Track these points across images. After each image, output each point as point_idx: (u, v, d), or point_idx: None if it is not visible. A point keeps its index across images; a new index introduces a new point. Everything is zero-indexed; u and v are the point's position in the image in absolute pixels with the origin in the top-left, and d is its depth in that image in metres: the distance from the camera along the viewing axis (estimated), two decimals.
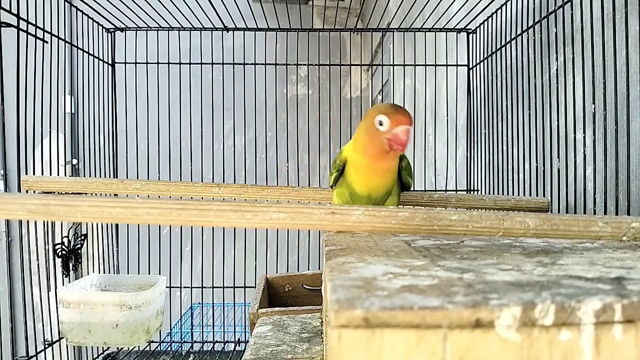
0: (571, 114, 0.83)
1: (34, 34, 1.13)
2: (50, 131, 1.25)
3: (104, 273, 1.53)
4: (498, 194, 1.19)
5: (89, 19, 1.43)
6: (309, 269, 1.62)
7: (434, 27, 1.50)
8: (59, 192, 0.89)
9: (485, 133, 1.28)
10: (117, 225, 1.60)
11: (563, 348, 0.23)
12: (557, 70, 0.88)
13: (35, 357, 1.12)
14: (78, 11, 1.36)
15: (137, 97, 1.52)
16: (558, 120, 0.87)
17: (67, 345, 1.06)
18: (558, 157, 0.87)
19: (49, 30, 1.20)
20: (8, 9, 1.03)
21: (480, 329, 0.23)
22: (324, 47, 1.82)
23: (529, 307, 0.23)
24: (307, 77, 2.40)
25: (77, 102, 2.63)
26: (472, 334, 0.23)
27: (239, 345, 1.63)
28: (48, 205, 0.41)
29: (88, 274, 1.16)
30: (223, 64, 1.58)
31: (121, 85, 1.57)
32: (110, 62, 1.59)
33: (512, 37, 1.07)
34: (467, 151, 1.43)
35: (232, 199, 0.84)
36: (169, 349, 1.67)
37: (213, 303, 1.86)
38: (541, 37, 0.94)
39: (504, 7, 1.12)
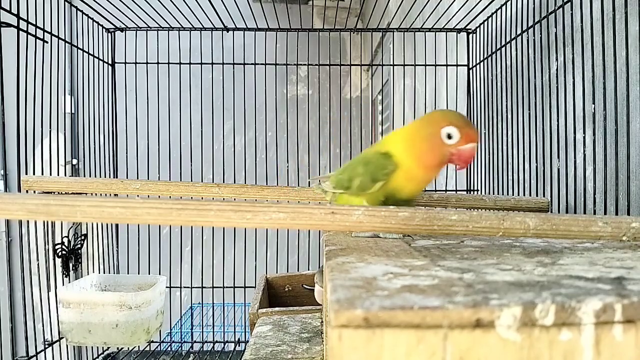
0: (571, 114, 0.83)
1: (34, 34, 1.13)
2: (50, 131, 1.25)
3: (104, 273, 1.53)
4: (498, 194, 1.19)
5: (89, 19, 1.43)
6: (309, 269, 1.62)
7: (434, 27, 1.50)
8: (59, 192, 0.89)
9: (485, 133, 1.28)
10: (117, 225, 1.60)
11: (563, 348, 0.23)
12: (557, 70, 0.88)
13: (35, 357, 1.12)
14: (78, 11, 1.36)
15: (137, 97, 1.52)
16: (558, 120, 0.87)
17: (67, 345, 1.06)
18: (558, 157, 0.87)
19: (49, 30, 1.20)
20: (8, 9, 1.03)
21: (481, 329, 0.23)
22: (324, 47, 1.82)
23: (530, 307, 0.23)
24: (307, 77, 2.40)
25: (77, 102, 2.63)
26: (472, 334, 0.23)
27: (239, 345, 1.63)
28: (48, 205, 0.41)
29: (88, 274, 1.16)
30: (223, 64, 1.58)
31: (121, 85, 1.57)
32: (110, 62, 1.59)
33: (512, 37, 1.07)
34: None
35: (232, 199, 0.84)
36: (169, 349, 1.67)
37: (213, 303, 1.86)
38: (541, 37, 0.94)
39: (504, 7, 1.12)
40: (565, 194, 0.84)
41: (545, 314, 0.23)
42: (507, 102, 1.12)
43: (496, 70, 1.20)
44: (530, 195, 0.98)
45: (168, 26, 1.54)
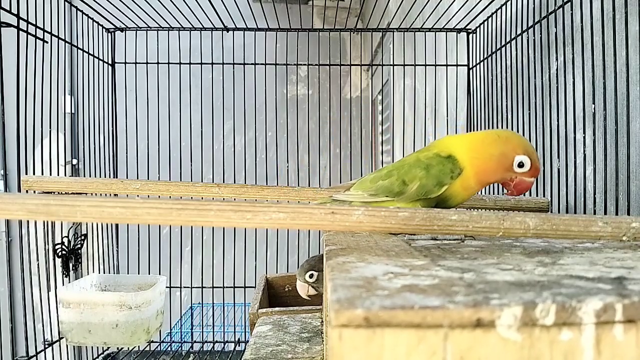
0: (571, 114, 0.83)
1: (34, 34, 1.13)
2: (50, 131, 1.25)
3: (104, 273, 1.53)
4: (498, 194, 1.19)
5: (89, 19, 1.43)
6: None
7: (434, 27, 1.50)
8: (59, 192, 0.89)
9: None
10: (117, 225, 1.60)
11: (564, 348, 0.23)
12: (557, 70, 0.88)
13: (35, 357, 1.12)
14: (78, 11, 1.36)
15: (137, 97, 1.52)
16: (558, 120, 0.87)
17: (67, 345, 1.06)
18: (558, 157, 0.87)
19: (49, 30, 1.20)
20: (8, 9, 1.03)
21: (481, 328, 0.23)
22: (324, 47, 1.82)
23: (530, 307, 0.23)
24: (307, 77, 2.40)
25: (77, 102, 2.62)
26: (472, 334, 0.23)
27: (239, 345, 1.63)
28: (48, 205, 0.41)
29: (88, 274, 1.16)
30: (223, 64, 1.58)
31: (121, 85, 1.57)
32: (110, 62, 1.59)
33: (512, 37, 1.07)
34: None
35: (232, 199, 0.84)
36: (169, 349, 1.67)
37: (213, 303, 1.86)
38: (541, 37, 0.94)
39: (504, 7, 1.12)
40: (565, 194, 0.84)
41: (546, 313, 0.23)
42: (507, 102, 1.12)
43: (496, 70, 1.20)
44: (530, 195, 0.98)
45: (168, 26, 1.54)
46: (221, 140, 1.71)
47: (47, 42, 1.19)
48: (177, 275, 1.74)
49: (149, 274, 1.34)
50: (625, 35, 0.67)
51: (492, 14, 1.20)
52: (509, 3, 1.09)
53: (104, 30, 1.54)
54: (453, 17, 1.44)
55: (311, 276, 0.91)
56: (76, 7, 1.35)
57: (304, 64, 1.59)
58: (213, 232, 1.57)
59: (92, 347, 1.39)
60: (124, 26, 1.55)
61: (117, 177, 1.61)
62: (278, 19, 1.53)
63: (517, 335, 0.23)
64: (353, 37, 3.15)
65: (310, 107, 1.84)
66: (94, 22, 1.47)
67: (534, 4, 0.97)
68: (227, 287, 1.68)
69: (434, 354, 0.23)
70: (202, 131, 1.58)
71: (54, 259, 1.29)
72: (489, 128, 1.26)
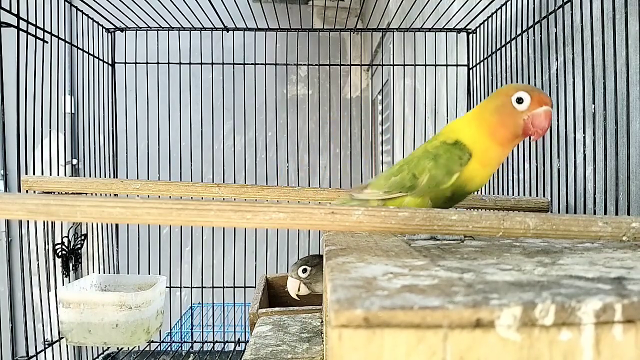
0: (571, 114, 0.83)
1: (34, 34, 1.13)
2: (50, 131, 1.25)
3: (104, 273, 1.53)
4: (498, 194, 1.19)
5: (89, 19, 1.43)
6: None
7: (434, 27, 1.50)
8: (59, 192, 0.89)
9: None
10: (117, 225, 1.60)
11: (563, 348, 0.23)
12: (557, 70, 0.88)
13: (35, 357, 1.12)
14: (78, 11, 1.36)
15: (137, 97, 1.52)
16: (558, 120, 0.87)
17: (67, 345, 1.06)
18: (558, 157, 0.87)
19: (49, 30, 1.20)
20: (8, 9, 1.03)
21: (481, 328, 0.23)
22: (324, 47, 1.82)
23: (530, 307, 0.23)
24: (307, 77, 2.40)
25: (77, 102, 2.63)
26: (472, 334, 0.23)
27: (239, 345, 1.63)
28: (48, 205, 0.41)
29: (88, 274, 1.16)
30: (223, 64, 1.58)
31: (121, 85, 1.57)
32: (110, 62, 1.59)
33: (512, 37, 1.07)
34: None
35: (232, 199, 0.84)
36: (169, 349, 1.67)
37: (213, 303, 1.86)
38: (541, 37, 0.94)
39: (504, 7, 1.12)
40: (565, 194, 0.84)
41: (545, 313, 0.23)
42: None
43: (496, 70, 1.20)
44: (530, 195, 0.98)
45: (168, 26, 1.54)
46: (221, 140, 1.71)
47: (47, 42, 1.19)
48: (177, 275, 1.74)
49: (149, 274, 1.34)
50: (625, 35, 0.67)
51: (492, 14, 1.20)
52: (509, 3, 1.09)
53: (104, 30, 1.54)
54: (453, 17, 1.44)
55: (304, 271, 0.90)
56: (76, 7, 1.35)
57: (304, 64, 1.59)
58: (213, 232, 1.57)
59: (92, 347, 1.39)
60: (124, 26, 1.55)
61: (117, 177, 1.61)
62: (278, 19, 1.53)
63: (516, 336, 0.23)
64: (353, 37, 3.15)
65: (310, 107, 1.84)
66: (94, 22, 1.47)
67: (534, 4, 0.97)
68: (227, 287, 1.68)
69: (433, 354, 0.23)
70: (202, 131, 1.58)
71: (54, 259, 1.29)
72: None
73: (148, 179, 1.13)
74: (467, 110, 1.44)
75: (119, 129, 1.60)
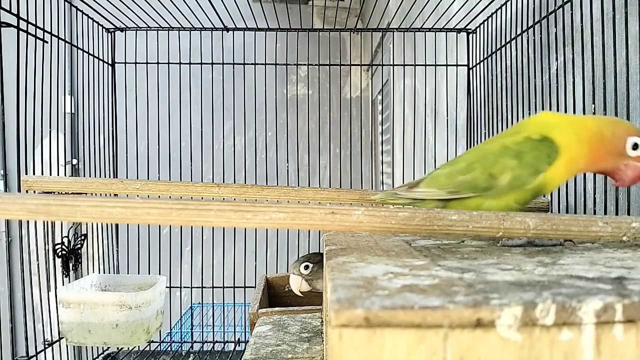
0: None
1: (34, 34, 1.13)
2: (50, 131, 1.25)
3: (104, 273, 1.53)
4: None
5: (89, 19, 1.43)
6: None
7: (434, 27, 1.50)
8: (59, 192, 0.89)
9: (485, 133, 1.28)
10: (117, 225, 1.60)
11: (564, 348, 0.23)
12: (557, 70, 0.88)
13: (35, 357, 1.12)
14: (78, 11, 1.36)
15: (137, 97, 1.52)
16: None
17: (67, 345, 1.06)
18: None
19: (49, 30, 1.20)
20: (8, 9, 1.03)
21: (481, 328, 0.23)
22: (324, 47, 1.82)
23: (530, 307, 0.23)
24: (307, 77, 2.40)
25: (77, 102, 2.62)
26: (472, 334, 0.23)
27: (239, 345, 1.63)
28: (48, 205, 0.41)
29: (88, 274, 1.16)
30: (223, 64, 1.58)
31: (121, 85, 1.57)
32: (110, 62, 1.59)
33: (512, 37, 1.07)
34: None
35: (232, 199, 0.84)
36: (169, 349, 1.67)
37: (213, 303, 1.86)
38: (541, 37, 0.94)
39: (504, 7, 1.12)
40: (565, 194, 0.84)
41: (546, 313, 0.23)
42: (507, 102, 1.12)
43: (496, 70, 1.20)
44: None
45: (168, 26, 1.54)
46: (221, 140, 1.71)
47: (47, 42, 1.19)
48: (177, 275, 1.74)
49: (149, 274, 1.34)
50: (625, 35, 0.67)
51: (492, 14, 1.20)
52: (509, 3, 1.09)
53: (104, 30, 1.54)
54: (453, 17, 1.44)
55: (306, 267, 0.90)
56: (76, 7, 1.34)
57: (304, 64, 1.59)
58: (213, 232, 1.57)
59: (92, 347, 1.39)
60: (124, 26, 1.55)
61: (117, 177, 1.61)
62: (278, 19, 1.53)
63: (517, 335, 0.23)
64: (353, 37, 3.15)
65: (310, 107, 1.84)
66: (94, 22, 1.47)
67: (534, 4, 0.97)
68: (227, 287, 1.68)
69: (434, 354, 0.23)
70: (202, 131, 1.58)
71: (54, 259, 1.29)
72: (489, 128, 1.26)
73: (148, 179, 1.13)
74: (467, 110, 1.44)
75: (119, 129, 1.60)
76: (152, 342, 1.55)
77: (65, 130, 2.61)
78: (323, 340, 0.73)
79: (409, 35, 1.60)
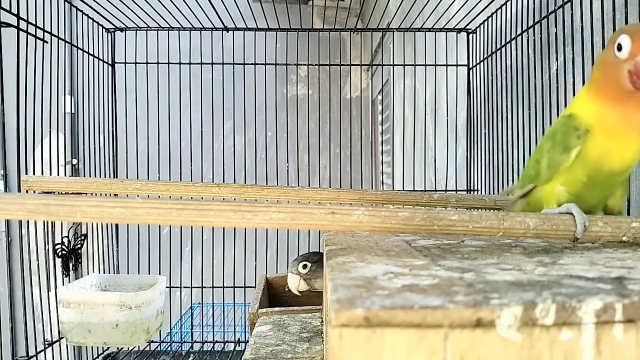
0: None
1: (34, 34, 1.13)
2: (50, 131, 1.24)
3: (104, 273, 1.53)
4: (498, 194, 1.19)
5: (89, 19, 1.43)
6: None
7: (434, 27, 1.50)
8: (59, 192, 0.89)
9: (485, 133, 1.28)
10: (117, 225, 1.60)
11: (564, 348, 0.23)
12: (557, 70, 0.88)
13: (35, 357, 1.12)
14: (78, 11, 1.36)
15: (137, 97, 1.52)
16: None
17: (67, 345, 1.06)
18: None
19: (49, 30, 1.20)
20: (8, 9, 1.03)
21: (481, 328, 0.23)
22: (324, 47, 1.82)
23: (530, 307, 0.23)
24: (307, 77, 2.39)
25: (77, 102, 2.62)
26: (472, 334, 0.23)
27: (239, 345, 1.63)
28: (48, 205, 0.41)
29: (88, 274, 1.16)
30: (223, 64, 1.58)
31: (121, 85, 1.57)
32: (110, 62, 1.59)
33: (512, 37, 1.07)
34: (467, 151, 1.43)
35: (232, 199, 0.84)
36: (169, 349, 1.67)
37: (213, 303, 1.86)
38: (541, 37, 0.94)
39: (504, 7, 1.12)
40: None
41: (546, 313, 0.23)
42: (507, 102, 1.12)
43: (496, 70, 1.20)
44: None
45: (168, 26, 1.53)
46: (221, 140, 1.71)
47: (47, 42, 1.19)
48: (177, 275, 1.74)
49: (149, 274, 1.34)
50: None
51: (492, 14, 1.20)
52: (509, 3, 1.09)
53: (104, 30, 1.54)
54: (453, 17, 1.44)
55: (305, 266, 0.89)
56: (76, 7, 1.34)
57: (304, 64, 1.59)
58: (213, 232, 1.57)
59: (92, 347, 1.39)
60: (124, 26, 1.55)
61: (117, 177, 1.61)
62: (278, 19, 1.53)
63: (517, 335, 0.23)
64: (353, 37, 3.15)
65: (310, 107, 1.84)
66: (94, 22, 1.47)
67: (534, 4, 0.97)
68: (227, 287, 1.68)
69: (434, 354, 0.23)
70: (202, 131, 1.58)
71: (54, 259, 1.29)
72: (488, 128, 1.26)
73: (148, 179, 1.13)
74: (467, 110, 1.44)
75: (119, 129, 1.60)
76: (152, 342, 1.55)
77: (65, 130, 2.60)
78: (323, 340, 0.73)
79: (409, 35, 1.60)
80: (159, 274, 1.36)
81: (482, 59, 1.32)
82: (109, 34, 1.58)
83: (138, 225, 1.61)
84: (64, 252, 1.35)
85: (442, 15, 1.45)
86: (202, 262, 1.68)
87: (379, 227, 0.41)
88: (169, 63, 1.55)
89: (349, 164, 1.69)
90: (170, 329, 1.88)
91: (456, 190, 1.46)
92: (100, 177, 1.54)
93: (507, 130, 1.12)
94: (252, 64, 1.57)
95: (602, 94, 0.42)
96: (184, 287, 1.70)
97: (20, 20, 1.07)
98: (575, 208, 0.41)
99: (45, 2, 1.20)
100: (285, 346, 0.72)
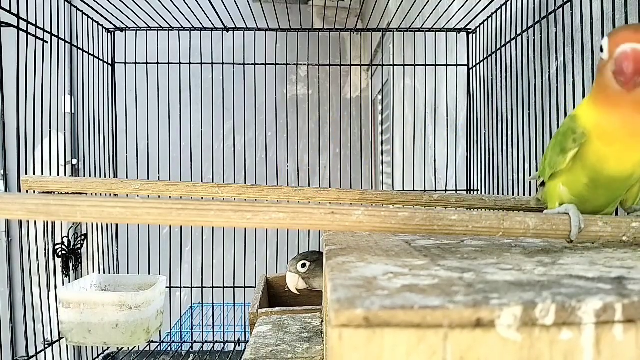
0: None
1: (34, 34, 1.13)
2: (50, 131, 1.24)
3: (104, 273, 1.53)
4: (498, 194, 1.19)
5: (89, 19, 1.43)
6: None
7: (434, 27, 1.50)
8: (59, 192, 0.89)
9: (485, 133, 1.28)
10: (117, 225, 1.60)
11: (564, 348, 0.23)
12: (557, 70, 0.88)
13: (35, 357, 1.12)
14: (78, 11, 1.36)
15: (137, 97, 1.52)
16: (558, 120, 0.87)
17: (67, 345, 1.06)
18: None
19: (49, 30, 1.20)
20: (8, 9, 1.03)
21: (481, 328, 0.23)
22: (324, 47, 1.82)
23: (530, 307, 0.23)
24: (307, 77, 2.39)
25: (77, 102, 2.62)
26: (472, 334, 0.23)
27: (239, 345, 1.63)
28: (48, 205, 0.41)
29: (88, 274, 1.16)
30: (223, 64, 1.58)
31: (121, 85, 1.57)
32: (110, 62, 1.59)
33: (512, 37, 1.07)
34: (467, 151, 1.43)
35: (232, 199, 0.84)
36: (169, 349, 1.67)
37: (213, 303, 1.86)
38: (541, 37, 0.94)
39: (504, 7, 1.12)
40: None
41: (546, 313, 0.23)
42: (507, 102, 1.12)
43: (496, 70, 1.20)
44: (530, 195, 0.98)
45: (168, 26, 1.53)
46: (221, 140, 1.71)
47: (47, 42, 1.19)
48: (177, 275, 1.74)
49: (149, 274, 1.34)
50: None
51: (492, 14, 1.20)
52: (509, 3, 1.09)
53: (104, 30, 1.54)
54: (453, 17, 1.44)
55: (303, 265, 0.88)
56: (76, 7, 1.34)
57: (304, 64, 1.59)
58: (213, 232, 1.57)
59: (92, 347, 1.39)
60: (124, 26, 1.55)
61: (117, 177, 1.61)
62: (278, 19, 1.53)
63: (517, 335, 0.23)
64: (353, 37, 3.15)
65: (310, 107, 1.84)
66: (94, 22, 1.47)
67: (534, 4, 0.97)
68: (227, 287, 1.68)
69: (434, 354, 0.23)
70: (202, 131, 1.58)
71: (54, 259, 1.29)
72: (488, 128, 1.26)
73: (148, 179, 1.13)
74: (467, 110, 1.44)
75: (119, 129, 1.60)
76: (152, 342, 1.55)
77: (65, 130, 2.61)
78: (323, 340, 0.73)
79: (409, 35, 1.60)
80: (159, 274, 1.36)
81: (482, 59, 1.32)
82: (109, 34, 1.58)
83: (138, 225, 1.61)
84: (64, 252, 1.35)
85: (442, 15, 1.45)
86: (202, 262, 1.68)
87: (379, 227, 0.41)
88: (169, 63, 1.55)
89: (349, 164, 1.69)
90: (170, 329, 1.88)
91: (456, 190, 1.46)
92: (100, 177, 1.54)
93: (507, 130, 1.12)
94: (252, 64, 1.57)
95: (598, 100, 0.42)
96: (184, 287, 1.70)
97: (20, 20, 1.07)
98: (573, 210, 0.41)
99: (45, 2, 1.20)
100: (285, 346, 0.72)
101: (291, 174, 1.83)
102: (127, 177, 1.58)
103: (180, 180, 0.96)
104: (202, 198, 0.77)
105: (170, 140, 1.56)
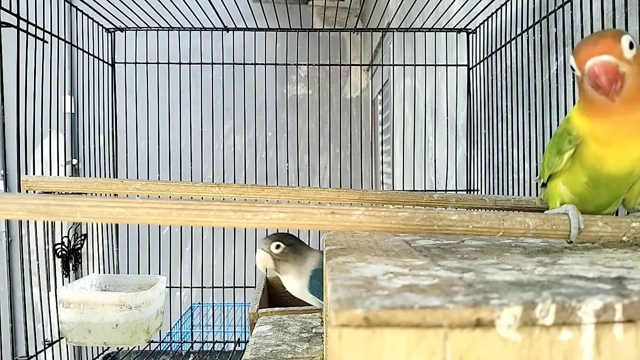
0: None
1: (34, 34, 1.13)
2: (50, 131, 1.25)
3: (104, 273, 1.53)
4: (498, 194, 1.19)
5: (89, 19, 1.43)
6: None
7: (434, 27, 1.50)
8: (59, 192, 0.89)
9: (485, 133, 1.28)
10: (117, 225, 1.60)
11: (563, 348, 0.23)
12: (557, 70, 0.88)
13: (35, 357, 1.12)
14: (78, 11, 1.36)
15: (137, 97, 1.52)
16: (558, 120, 0.87)
17: (67, 345, 1.06)
18: None
19: (49, 30, 1.20)
20: (8, 9, 1.03)
21: (481, 328, 0.23)
22: (324, 47, 1.82)
23: (530, 307, 0.23)
24: (307, 77, 2.39)
25: (77, 102, 2.62)
26: (472, 334, 0.23)
27: (239, 345, 1.63)
28: (48, 205, 0.41)
29: (88, 274, 1.16)
30: (223, 64, 1.58)
31: (121, 85, 1.57)
32: (110, 62, 1.59)
33: (512, 37, 1.07)
34: (467, 151, 1.43)
35: (232, 199, 0.84)
36: (169, 349, 1.67)
37: (213, 303, 1.86)
38: (541, 37, 0.94)
39: (504, 7, 1.12)
40: None
41: (546, 313, 0.23)
42: (507, 102, 1.12)
43: (496, 70, 1.20)
44: (530, 195, 0.98)
45: (168, 26, 1.53)
46: (221, 140, 1.71)
47: (47, 42, 1.19)
48: (177, 275, 1.74)
49: (149, 274, 1.34)
50: None
51: (492, 14, 1.20)
52: (509, 3, 1.09)
53: (104, 30, 1.54)
54: (453, 17, 1.44)
55: (278, 247, 0.83)
56: (76, 7, 1.34)
57: (304, 64, 1.59)
58: (213, 232, 1.57)
59: (92, 347, 1.39)
60: (124, 26, 1.55)
61: (117, 177, 1.61)
62: (278, 19, 1.53)
63: (516, 335, 0.23)
64: (353, 37, 3.15)
65: (310, 107, 1.84)
66: (94, 22, 1.47)
67: (534, 4, 0.97)
68: (227, 287, 1.68)
69: (433, 354, 0.23)
70: (202, 131, 1.58)
71: (54, 259, 1.29)
72: (488, 128, 1.26)
73: (148, 179, 1.13)
74: (467, 110, 1.44)
75: (119, 129, 1.60)
76: (152, 342, 1.55)
77: (65, 130, 2.61)
78: (323, 340, 0.73)
79: (409, 35, 1.60)
80: (159, 274, 1.36)
81: (482, 59, 1.32)
82: (109, 34, 1.58)
83: (138, 225, 1.61)
84: (64, 252, 1.35)
85: (442, 15, 1.45)
86: (202, 262, 1.68)
87: (379, 227, 0.41)
88: (169, 63, 1.55)
89: (349, 164, 1.69)
90: (170, 329, 1.88)
91: (456, 190, 1.46)
92: (100, 177, 1.54)
93: (507, 130, 1.12)
94: (252, 64, 1.58)
95: (588, 109, 0.43)
96: (184, 287, 1.70)
97: (20, 20, 1.07)
98: (573, 210, 0.41)
99: (45, 2, 1.20)
100: (285, 346, 0.72)
101: (291, 174, 1.83)
102: (127, 177, 1.58)
103: (180, 180, 0.96)
104: (202, 198, 0.77)
105: (170, 140, 1.56)
